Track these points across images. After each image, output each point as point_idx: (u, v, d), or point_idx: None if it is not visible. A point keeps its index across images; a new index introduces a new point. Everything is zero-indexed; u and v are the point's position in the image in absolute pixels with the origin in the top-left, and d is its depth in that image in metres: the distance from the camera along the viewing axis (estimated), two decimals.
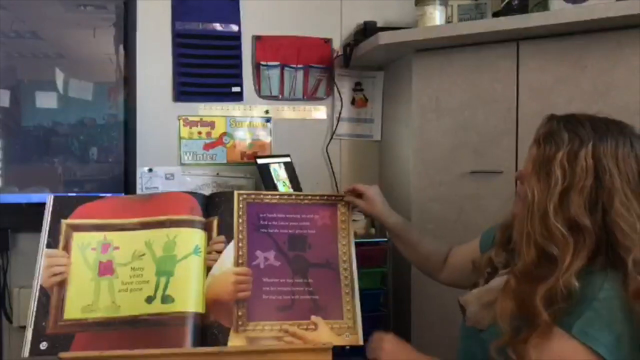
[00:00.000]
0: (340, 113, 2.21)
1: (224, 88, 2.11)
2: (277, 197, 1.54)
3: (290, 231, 1.49)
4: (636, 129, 1.10)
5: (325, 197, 1.56)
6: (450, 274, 1.48)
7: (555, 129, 1.07)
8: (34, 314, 1.31)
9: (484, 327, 1.14)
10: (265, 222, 1.49)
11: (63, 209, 1.45)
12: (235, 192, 1.51)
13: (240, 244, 1.44)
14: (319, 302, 1.41)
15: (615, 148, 1.03)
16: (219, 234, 1.45)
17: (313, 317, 1.38)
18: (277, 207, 1.51)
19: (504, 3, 1.83)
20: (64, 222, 1.43)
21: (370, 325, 1.47)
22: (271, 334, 1.35)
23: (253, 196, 1.52)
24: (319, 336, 1.34)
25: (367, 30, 2.08)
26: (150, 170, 2.02)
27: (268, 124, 2.16)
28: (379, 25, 2.11)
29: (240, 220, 1.47)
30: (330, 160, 2.21)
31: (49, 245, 1.40)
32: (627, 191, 1.01)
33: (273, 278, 1.42)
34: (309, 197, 1.55)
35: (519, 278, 1.06)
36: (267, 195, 1.55)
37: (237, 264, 1.42)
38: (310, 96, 2.20)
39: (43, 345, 1.28)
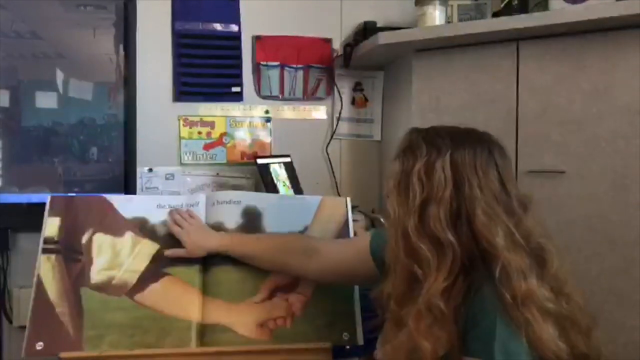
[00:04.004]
0: (340, 113, 2.21)
1: (224, 88, 2.11)
2: None
3: None
4: (495, 137, 1.05)
5: None
6: (325, 271, 1.33)
7: (414, 141, 1.03)
8: (32, 313, 1.32)
9: None
10: None
11: None
12: None
13: None
14: None
15: (474, 157, 0.98)
16: None
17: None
18: None
19: (504, 3, 1.83)
20: None
21: (370, 325, 1.46)
22: None
23: None
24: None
25: (367, 30, 2.08)
26: (150, 170, 2.01)
27: (268, 124, 2.16)
28: (379, 25, 2.11)
29: None
30: (330, 160, 2.21)
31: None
32: (490, 200, 0.96)
33: None
34: None
35: (394, 301, 1.01)
36: None
37: None
38: (310, 96, 2.20)
39: (39, 346, 1.28)
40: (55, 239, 1.41)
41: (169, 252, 1.42)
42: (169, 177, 2.04)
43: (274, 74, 2.16)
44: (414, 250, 0.97)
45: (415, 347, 0.95)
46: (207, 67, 2.09)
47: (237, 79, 2.12)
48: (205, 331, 1.35)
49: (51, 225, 1.42)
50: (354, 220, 1.60)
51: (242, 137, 2.14)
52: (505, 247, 0.93)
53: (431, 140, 1.01)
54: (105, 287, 1.37)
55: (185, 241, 1.40)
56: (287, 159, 2.04)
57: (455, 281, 0.95)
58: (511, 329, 0.91)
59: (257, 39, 2.14)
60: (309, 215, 1.52)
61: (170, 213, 1.46)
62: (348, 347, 1.40)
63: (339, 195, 2.16)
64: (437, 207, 0.96)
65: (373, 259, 1.24)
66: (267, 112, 2.16)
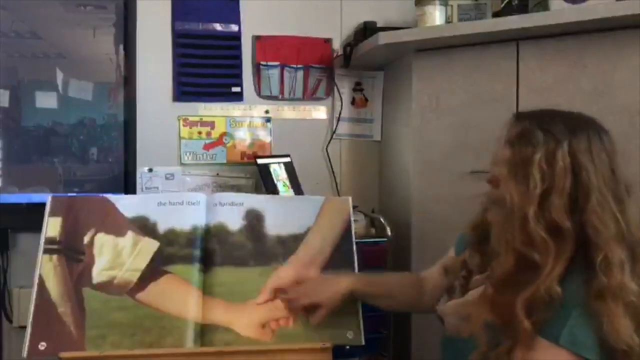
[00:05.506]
0: (340, 113, 2.21)
1: (224, 88, 2.11)
2: None
3: None
4: (600, 122, 1.07)
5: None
6: (436, 297, 1.35)
7: (528, 128, 1.04)
8: (34, 313, 1.31)
9: (464, 336, 1.11)
10: None
11: None
12: None
13: None
14: None
15: (589, 144, 1.00)
16: None
17: None
18: None
19: (504, 3, 1.83)
20: None
21: (371, 325, 1.46)
22: None
23: None
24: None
25: (367, 30, 2.08)
26: (150, 170, 2.01)
27: (268, 124, 2.16)
28: (379, 25, 2.11)
29: None
30: (330, 160, 2.21)
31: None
32: (602, 187, 0.98)
33: None
34: None
35: (497, 286, 1.02)
36: None
37: None
38: (310, 96, 2.20)
39: (42, 346, 1.28)
40: (57, 239, 1.41)
41: (315, 320, 1.34)
42: (169, 177, 2.04)
43: (274, 74, 2.16)
44: (532, 237, 0.98)
45: (506, 321, 0.98)
46: (207, 67, 2.09)
47: (237, 79, 2.12)
48: (206, 331, 1.35)
49: (52, 225, 1.42)
50: (354, 221, 1.60)
51: (242, 137, 2.14)
52: (611, 237, 0.96)
53: (546, 127, 1.02)
54: (106, 287, 1.37)
55: (317, 301, 1.33)
56: (287, 159, 2.04)
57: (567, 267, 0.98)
58: (586, 318, 0.94)
59: (257, 39, 2.14)
60: (312, 216, 1.52)
61: (290, 303, 1.37)
62: (348, 347, 1.40)
63: (339, 195, 2.16)
64: (559, 197, 0.98)
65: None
66: (267, 112, 2.16)
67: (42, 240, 1.40)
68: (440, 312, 1.21)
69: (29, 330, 1.29)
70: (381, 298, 1.40)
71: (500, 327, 1.00)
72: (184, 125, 2.08)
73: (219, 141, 2.12)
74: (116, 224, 1.45)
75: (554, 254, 0.97)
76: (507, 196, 1.02)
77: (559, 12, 1.64)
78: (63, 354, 1.26)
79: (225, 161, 2.12)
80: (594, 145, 1.01)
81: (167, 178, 2.04)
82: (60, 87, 1.85)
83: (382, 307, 1.43)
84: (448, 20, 1.90)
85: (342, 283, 1.35)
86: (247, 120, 2.14)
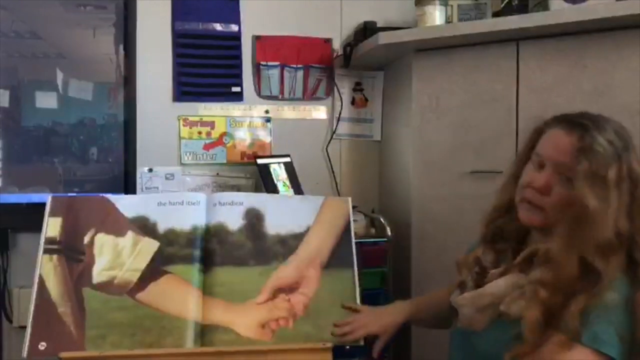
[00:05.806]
0: (340, 113, 2.21)
1: (224, 88, 2.12)
2: None
3: None
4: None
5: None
6: None
7: (597, 140, 1.06)
8: (34, 313, 1.31)
9: (477, 329, 1.14)
10: None
11: None
12: None
13: None
14: None
15: (635, 155, 1.07)
16: None
17: None
18: None
19: (504, 3, 1.83)
20: None
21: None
22: None
23: None
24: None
25: (367, 30, 2.08)
26: (150, 170, 2.02)
27: (268, 124, 2.16)
28: (379, 25, 2.11)
29: None
30: (330, 160, 2.21)
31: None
32: None
33: None
34: None
35: (552, 289, 1.04)
36: None
37: None
38: (310, 96, 2.20)
39: (42, 346, 1.28)
40: (57, 239, 1.40)
41: (375, 352, 1.36)
42: (169, 177, 2.05)
43: (274, 74, 2.16)
44: (602, 247, 1.02)
45: (552, 322, 1.01)
46: (207, 67, 2.09)
47: (237, 79, 2.13)
48: (206, 331, 1.35)
49: (53, 225, 1.42)
50: (354, 221, 1.60)
51: (242, 137, 2.14)
52: None
53: (609, 139, 1.06)
54: (106, 287, 1.37)
55: (374, 332, 1.35)
56: (287, 159, 2.04)
57: None
58: (607, 317, 0.98)
59: (257, 39, 2.14)
60: (312, 216, 1.52)
61: (347, 335, 1.36)
62: (348, 347, 1.40)
63: (339, 195, 2.16)
64: (626, 208, 1.04)
65: None
66: (267, 112, 2.16)
67: (42, 240, 1.40)
68: (454, 303, 1.21)
69: (29, 330, 1.29)
70: (434, 319, 1.44)
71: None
72: (184, 125, 2.09)
73: (219, 141, 2.12)
74: (116, 224, 1.44)
75: (615, 263, 1.02)
76: (589, 204, 1.03)
77: (559, 12, 1.64)
78: (63, 354, 1.26)
79: (225, 161, 2.12)
80: (637, 155, 1.07)
81: (167, 178, 2.04)
82: (60, 87, 1.85)
83: (437, 327, 1.44)
84: (448, 20, 1.90)
85: (401, 313, 1.39)
86: (247, 120, 2.15)
